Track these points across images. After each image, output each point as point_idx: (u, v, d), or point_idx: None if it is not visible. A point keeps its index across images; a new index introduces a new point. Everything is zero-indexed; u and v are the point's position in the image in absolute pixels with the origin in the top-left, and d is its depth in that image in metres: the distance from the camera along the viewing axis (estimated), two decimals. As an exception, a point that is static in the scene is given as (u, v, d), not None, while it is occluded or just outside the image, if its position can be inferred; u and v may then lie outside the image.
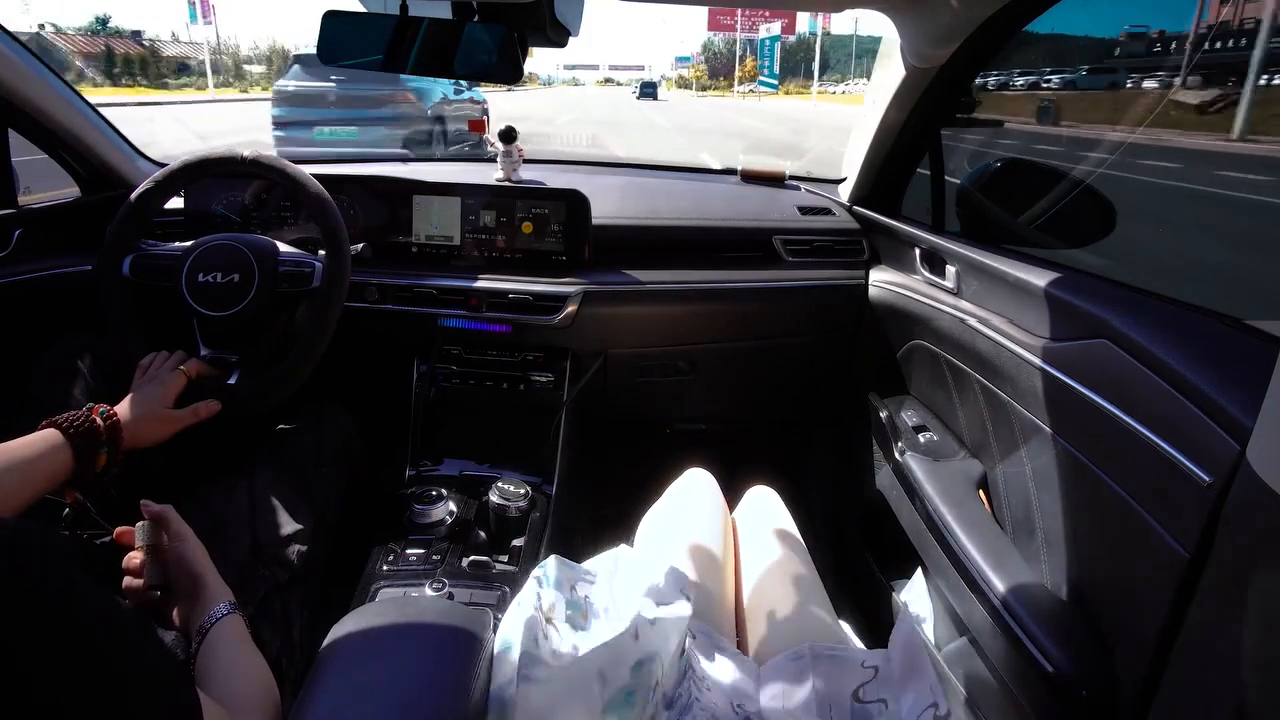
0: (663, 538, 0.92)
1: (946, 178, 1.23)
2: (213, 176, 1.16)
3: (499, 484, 1.07)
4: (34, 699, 0.37)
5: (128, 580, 0.68)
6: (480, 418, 1.27)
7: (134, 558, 0.69)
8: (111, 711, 0.41)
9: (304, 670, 0.62)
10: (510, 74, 0.78)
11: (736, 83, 59.97)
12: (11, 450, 0.70)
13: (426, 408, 1.25)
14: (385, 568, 0.97)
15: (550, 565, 0.79)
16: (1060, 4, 0.91)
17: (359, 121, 5.95)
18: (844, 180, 1.46)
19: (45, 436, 0.74)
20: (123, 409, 0.84)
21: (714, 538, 0.91)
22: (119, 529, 0.71)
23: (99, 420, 0.79)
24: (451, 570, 0.97)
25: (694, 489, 1.01)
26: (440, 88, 6.49)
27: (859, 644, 0.86)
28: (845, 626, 1.03)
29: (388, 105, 6.10)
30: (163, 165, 1.20)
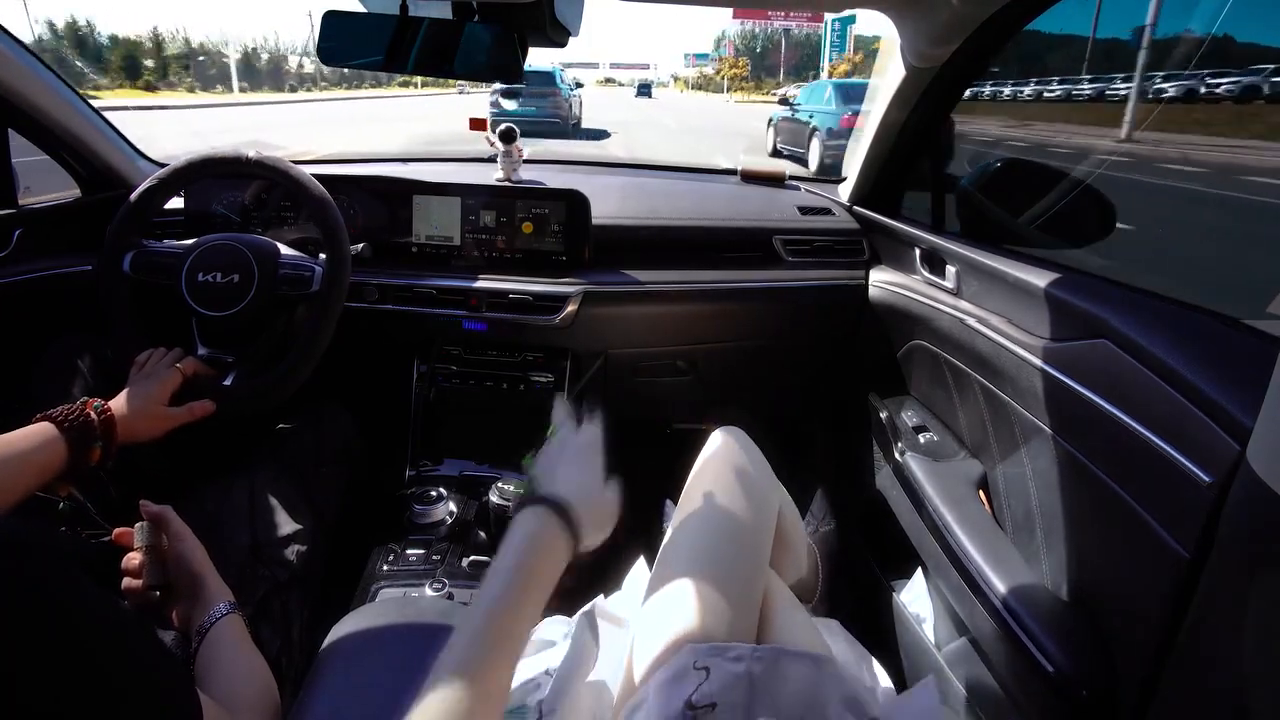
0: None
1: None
2: (213, 176, 1.16)
3: (499, 484, 1.07)
4: (34, 699, 0.37)
5: (127, 581, 0.68)
6: (480, 418, 1.27)
7: (133, 558, 0.69)
8: (112, 712, 0.41)
9: (304, 670, 0.62)
10: (510, 74, 0.78)
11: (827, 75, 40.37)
12: (5, 442, 0.70)
13: (426, 408, 1.25)
14: (385, 568, 0.97)
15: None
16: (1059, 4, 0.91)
17: (536, 104, 11.38)
18: (844, 180, 1.46)
19: (39, 429, 0.73)
20: (117, 403, 0.84)
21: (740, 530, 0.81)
22: (118, 530, 0.71)
23: (93, 414, 0.79)
24: (451, 570, 0.97)
25: (725, 459, 0.90)
26: (564, 88, 12.51)
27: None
28: (837, 625, 1.03)
29: (550, 97, 11.64)
30: (163, 165, 1.20)
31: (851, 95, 8.47)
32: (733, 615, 0.72)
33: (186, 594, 0.69)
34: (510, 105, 9.78)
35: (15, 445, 0.70)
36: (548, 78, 11.90)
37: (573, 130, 12.30)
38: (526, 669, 0.80)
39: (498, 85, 10.17)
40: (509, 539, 0.54)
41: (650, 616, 0.73)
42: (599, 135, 12.48)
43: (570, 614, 0.86)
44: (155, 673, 0.46)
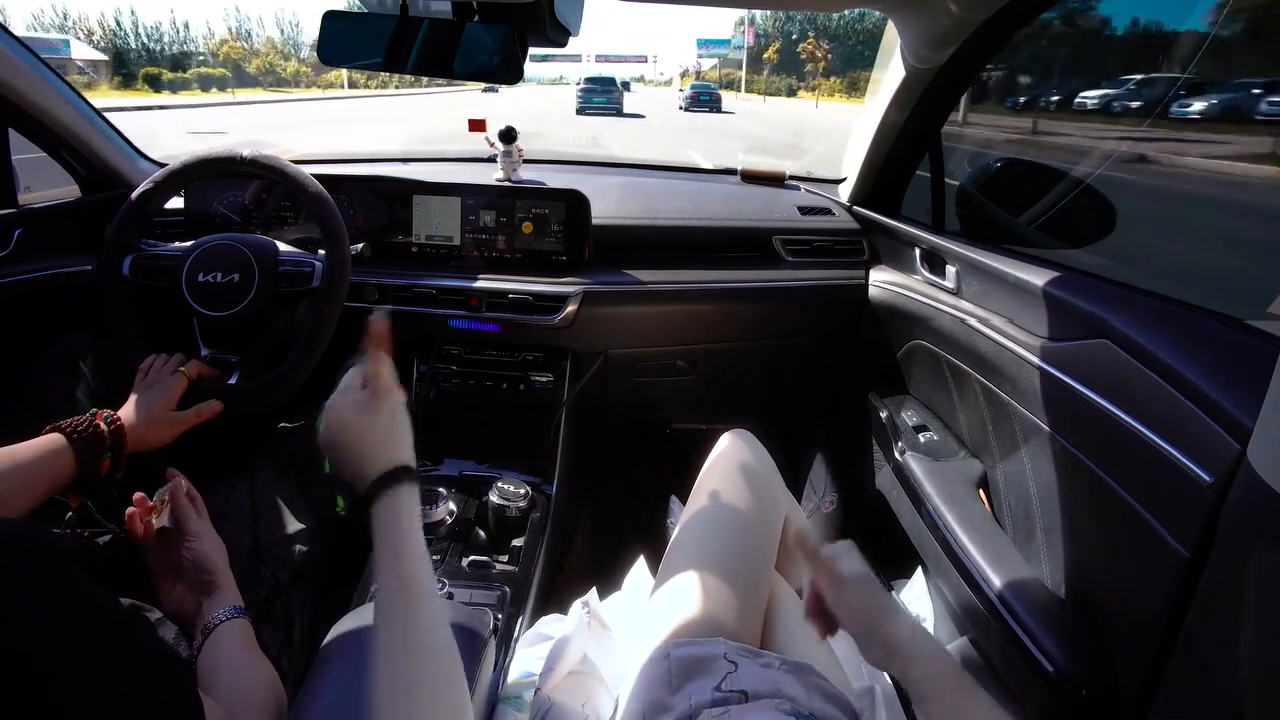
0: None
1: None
2: (213, 176, 1.16)
3: (499, 484, 1.07)
4: (39, 697, 0.37)
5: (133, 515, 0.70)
6: (480, 418, 1.27)
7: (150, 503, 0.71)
8: (114, 708, 0.41)
9: (305, 669, 0.62)
10: (510, 74, 0.78)
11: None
12: (15, 454, 0.70)
13: (426, 408, 1.25)
14: (385, 568, 0.97)
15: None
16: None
17: (606, 97, 19.76)
18: (844, 180, 1.46)
19: (49, 441, 0.74)
20: (126, 413, 0.84)
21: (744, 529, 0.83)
22: (138, 495, 0.71)
23: (103, 425, 0.79)
24: (451, 570, 0.97)
25: (734, 460, 0.92)
26: (618, 86, 21.44)
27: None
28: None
29: (613, 92, 20.24)
30: (163, 165, 1.20)
31: (695, 88, 24.97)
32: (738, 612, 0.74)
33: (199, 586, 0.69)
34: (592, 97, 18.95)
35: (23, 456, 0.71)
36: (612, 81, 20.79)
37: (620, 113, 19.51)
38: (524, 662, 0.81)
39: (582, 83, 20.57)
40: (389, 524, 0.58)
41: (656, 608, 0.74)
42: (638, 116, 19.58)
43: (566, 613, 0.86)
44: (157, 670, 0.46)
